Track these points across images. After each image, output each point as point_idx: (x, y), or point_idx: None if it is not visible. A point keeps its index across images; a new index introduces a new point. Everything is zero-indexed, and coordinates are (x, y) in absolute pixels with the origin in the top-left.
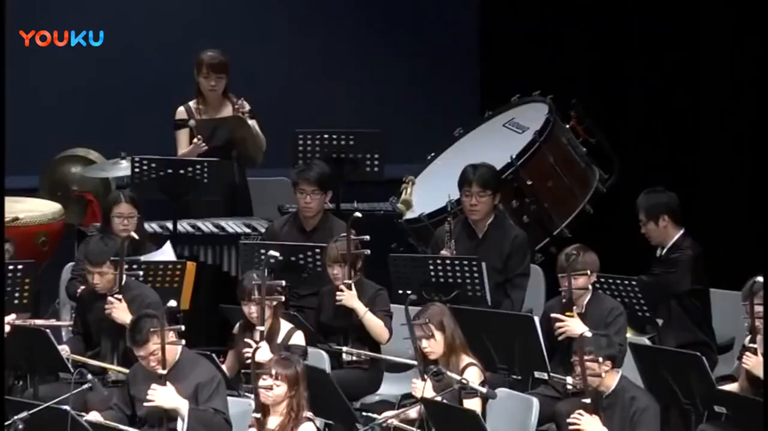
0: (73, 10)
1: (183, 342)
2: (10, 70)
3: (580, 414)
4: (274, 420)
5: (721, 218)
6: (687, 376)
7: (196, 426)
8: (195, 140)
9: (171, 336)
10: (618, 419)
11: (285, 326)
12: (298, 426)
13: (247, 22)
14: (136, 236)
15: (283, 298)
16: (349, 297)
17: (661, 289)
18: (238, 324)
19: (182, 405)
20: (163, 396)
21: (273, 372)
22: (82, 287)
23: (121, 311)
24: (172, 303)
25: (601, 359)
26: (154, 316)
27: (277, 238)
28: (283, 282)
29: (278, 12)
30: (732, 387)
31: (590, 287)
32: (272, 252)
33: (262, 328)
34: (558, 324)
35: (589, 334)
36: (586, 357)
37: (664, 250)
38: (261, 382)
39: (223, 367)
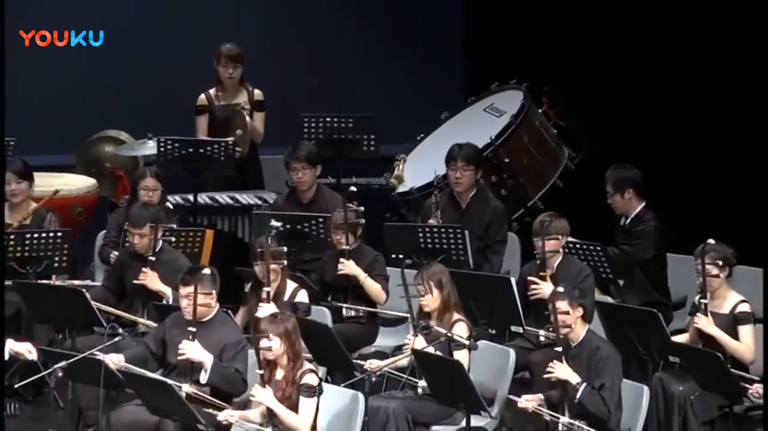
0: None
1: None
2: (47, 61)
3: (552, 364)
4: (279, 373)
5: (673, 192)
6: (645, 330)
7: (216, 379)
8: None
9: (207, 297)
10: (584, 365)
11: (291, 286)
12: (302, 377)
13: (257, 19)
14: (171, 207)
15: (286, 262)
16: (349, 267)
17: (628, 260)
18: (249, 284)
19: (207, 359)
20: (192, 350)
21: (268, 330)
22: (114, 252)
23: (153, 280)
24: (206, 270)
25: (573, 306)
26: (213, 275)
27: (280, 211)
28: (285, 248)
29: (281, 12)
30: (682, 338)
31: (561, 250)
32: (274, 222)
33: (268, 289)
34: (533, 287)
35: (561, 289)
36: (559, 304)
37: (628, 220)
38: (263, 342)
39: (236, 319)
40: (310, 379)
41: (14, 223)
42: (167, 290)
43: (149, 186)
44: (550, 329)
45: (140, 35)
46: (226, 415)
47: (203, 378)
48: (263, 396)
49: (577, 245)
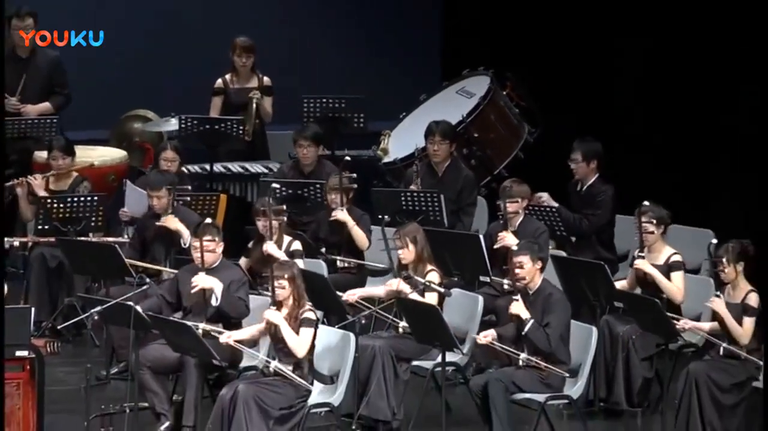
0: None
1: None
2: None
3: (513, 298)
4: (284, 311)
5: (618, 161)
6: (594, 280)
7: (225, 304)
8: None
9: (214, 244)
10: (539, 309)
11: (286, 238)
12: (303, 313)
13: (260, 13)
14: (186, 172)
15: (285, 218)
16: (341, 214)
17: (591, 228)
18: (252, 241)
19: (217, 285)
20: (203, 279)
21: (278, 275)
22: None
23: (171, 221)
24: (208, 220)
25: (533, 260)
26: (216, 226)
27: (285, 178)
28: (284, 206)
29: (277, 8)
30: (621, 284)
31: (521, 211)
32: (274, 185)
33: (271, 241)
34: (499, 238)
35: (524, 245)
36: (521, 258)
37: (584, 187)
38: (275, 283)
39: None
40: (310, 314)
41: (55, 188)
42: (185, 231)
43: (168, 158)
44: (512, 278)
45: (166, 28)
46: (225, 338)
47: (214, 301)
48: (272, 315)
49: (537, 207)
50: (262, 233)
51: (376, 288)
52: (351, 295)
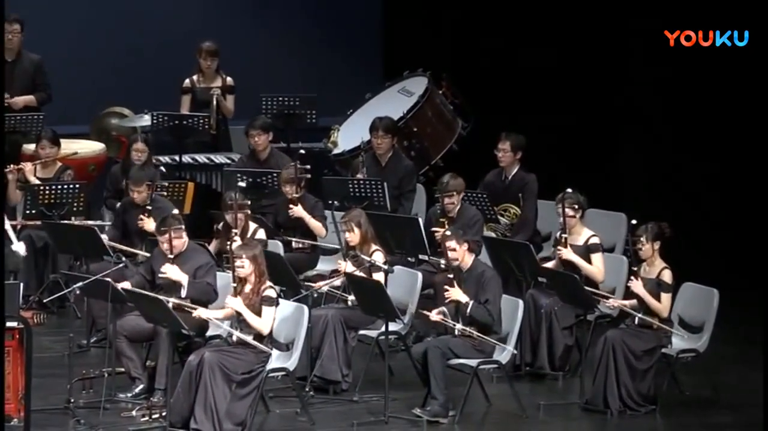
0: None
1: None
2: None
3: (447, 287)
4: (248, 287)
5: (539, 152)
6: (520, 258)
7: (193, 292)
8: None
9: (178, 232)
10: (473, 286)
11: (252, 226)
12: (264, 290)
13: (229, 23)
14: (164, 170)
15: (249, 211)
16: (298, 211)
17: (528, 221)
18: (221, 224)
19: (183, 278)
20: (171, 271)
21: (241, 254)
22: (118, 203)
23: (149, 225)
24: (175, 211)
25: (460, 243)
26: (177, 217)
27: (244, 167)
28: (248, 202)
29: (243, 16)
30: (550, 264)
31: (457, 201)
32: (240, 183)
33: (236, 230)
34: (435, 234)
35: (448, 232)
36: (449, 243)
37: (509, 176)
38: (237, 262)
39: (210, 248)
40: (270, 292)
41: (42, 176)
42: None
43: (139, 149)
44: (446, 259)
45: (141, 37)
46: (198, 313)
47: (183, 293)
48: (234, 303)
49: (469, 194)
50: (230, 224)
51: (335, 280)
52: (317, 285)
